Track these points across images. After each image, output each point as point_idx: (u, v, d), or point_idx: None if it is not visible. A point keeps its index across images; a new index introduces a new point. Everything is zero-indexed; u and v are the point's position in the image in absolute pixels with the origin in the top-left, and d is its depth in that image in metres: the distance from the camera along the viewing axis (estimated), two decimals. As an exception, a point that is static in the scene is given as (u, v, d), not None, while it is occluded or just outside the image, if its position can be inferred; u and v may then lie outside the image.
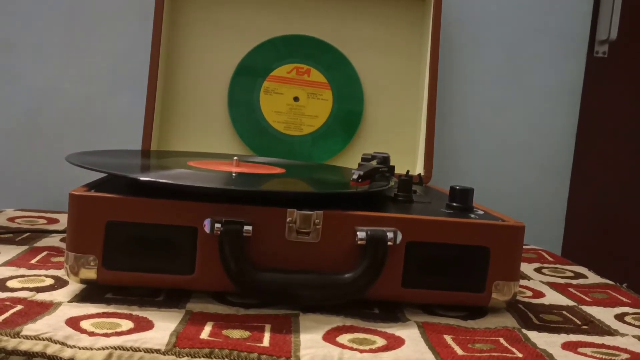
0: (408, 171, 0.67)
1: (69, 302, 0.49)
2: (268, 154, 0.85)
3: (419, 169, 0.85)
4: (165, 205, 0.50)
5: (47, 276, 0.56)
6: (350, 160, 0.87)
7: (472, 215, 0.56)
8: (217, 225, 0.49)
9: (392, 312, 0.53)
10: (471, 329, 0.51)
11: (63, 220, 0.80)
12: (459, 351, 0.45)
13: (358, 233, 0.50)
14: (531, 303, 0.60)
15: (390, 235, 0.50)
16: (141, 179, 0.50)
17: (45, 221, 0.79)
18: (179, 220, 0.50)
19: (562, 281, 0.71)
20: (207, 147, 0.85)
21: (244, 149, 0.86)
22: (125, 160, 0.60)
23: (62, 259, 0.61)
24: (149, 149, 0.79)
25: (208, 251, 0.50)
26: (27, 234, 0.71)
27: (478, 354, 0.45)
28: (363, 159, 0.74)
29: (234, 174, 0.58)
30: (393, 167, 0.72)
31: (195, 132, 0.85)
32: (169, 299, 0.52)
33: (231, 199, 0.50)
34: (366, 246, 0.50)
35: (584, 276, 0.74)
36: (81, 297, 0.51)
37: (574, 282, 0.71)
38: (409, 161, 0.87)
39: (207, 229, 0.49)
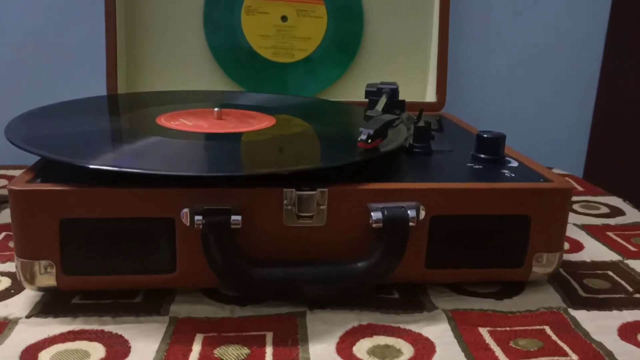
0: (422, 110, 0.56)
1: (27, 317, 0.41)
2: (256, 86, 0.73)
3: (429, 96, 0.74)
4: (131, 194, 0.40)
5: (2, 273, 0.47)
6: (350, 90, 0.75)
7: (506, 173, 0.46)
8: (198, 217, 0.39)
9: (415, 295, 0.45)
10: (509, 313, 0.43)
11: (28, 178, 0.70)
12: (501, 356, 0.38)
13: (372, 214, 0.41)
14: (571, 262, 0.52)
15: (412, 213, 0.41)
16: (91, 167, 0.39)
17: (5, 182, 0.69)
18: (150, 212, 0.40)
19: (599, 221, 0.62)
20: (185, 82, 0.73)
21: (228, 82, 0.74)
22: (78, 127, 0.49)
23: (23, 242, 0.52)
24: (116, 94, 0.68)
25: (190, 244, 0.41)
26: (-16, 204, 0.61)
27: None
28: (368, 92, 0.62)
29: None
30: (403, 101, 0.61)
31: (170, 65, 0.73)
32: (148, 300, 0.43)
33: (213, 181, 0.40)
34: (383, 229, 0.41)
35: (621, 211, 0.66)
36: (43, 307, 0.42)
37: (612, 222, 0.62)
38: (418, 87, 0.75)
39: (185, 221, 0.40)
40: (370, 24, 0.74)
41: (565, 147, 0.90)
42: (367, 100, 0.63)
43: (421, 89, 0.76)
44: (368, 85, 0.63)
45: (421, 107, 0.57)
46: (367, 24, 0.74)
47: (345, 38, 0.74)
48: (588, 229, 0.60)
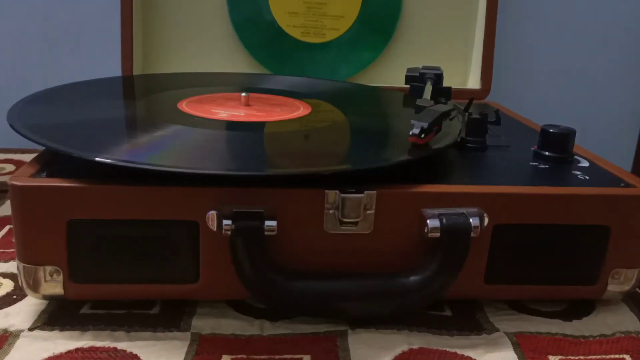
0: (472, 99, 0.50)
1: (30, 329, 0.36)
2: (282, 68, 0.67)
3: (472, 82, 0.68)
4: (148, 193, 0.34)
5: (4, 275, 0.42)
6: (385, 74, 0.69)
7: (578, 175, 0.40)
8: (226, 222, 0.34)
9: (470, 312, 0.40)
10: (581, 337, 0.37)
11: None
12: (581, 394, 0.32)
13: (429, 221, 0.35)
14: (640, 275, 0.46)
15: (474, 222, 0.35)
16: (100, 160, 0.34)
17: (12, 167, 0.64)
18: (171, 214, 0.35)
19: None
20: (206, 63, 0.67)
21: (252, 63, 0.68)
22: (88, 113, 0.43)
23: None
24: (131, 75, 0.62)
25: (216, 251, 0.36)
26: (-11, 193, 0.57)
27: (606, 396, 0.32)
28: (409, 77, 0.57)
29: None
30: (449, 89, 0.55)
31: (190, 45, 0.67)
32: (167, 311, 0.38)
33: (243, 179, 0.35)
34: (441, 239, 0.35)
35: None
36: (48, 317, 0.37)
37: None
38: (459, 72, 0.69)
39: (211, 226, 0.34)
40: (409, 1, 0.68)
41: (613, 139, 0.83)
42: (405, 86, 0.57)
43: (463, 74, 0.69)
44: (409, 70, 0.57)
45: (471, 96, 0.51)
46: (405, 1, 0.68)
47: (381, 17, 0.67)
48: (653, 235, 0.54)
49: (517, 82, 0.80)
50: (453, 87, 0.67)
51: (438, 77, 0.55)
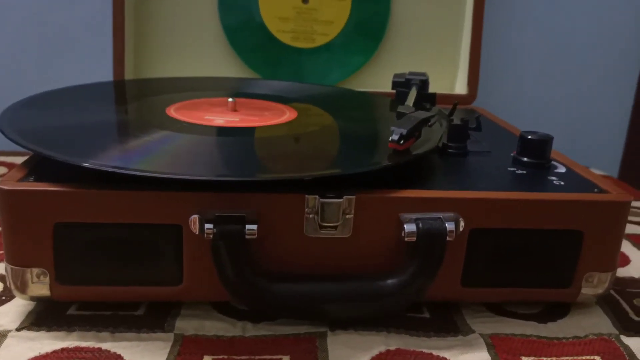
0: (456, 104, 0.51)
1: (17, 329, 0.37)
2: (272, 73, 0.68)
3: (459, 88, 0.69)
4: (133, 198, 0.35)
5: (-6, 277, 0.43)
6: (374, 79, 0.70)
7: (554, 180, 0.41)
8: (208, 226, 0.35)
9: (448, 314, 0.40)
10: (555, 339, 0.38)
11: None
12: (551, 394, 0.33)
13: (405, 226, 0.36)
14: (618, 278, 0.47)
15: (450, 226, 0.36)
16: (86, 165, 0.35)
17: (5, 170, 0.65)
18: (155, 217, 0.36)
19: (643, 230, 0.57)
20: (197, 68, 0.68)
21: (242, 68, 0.69)
22: (78, 117, 0.44)
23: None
24: (122, 79, 0.63)
25: (199, 254, 0.37)
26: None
27: (575, 396, 0.33)
28: (395, 83, 0.58)
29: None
30: (434, 95, 0.56)
31: (181, 49, 0.68)
32: (151, 313, 0.39)
33: (225, 184, 0.36)
34: (417, 243, 0.36)
35: (666, 219, 0.60)
36: (35, 317, 0.38)
37: (658, 231, 0.57)
38: (447, 77, 0.70)
39: (194, 229, 0.35)
40: (398, 7, 0.69)
41: (600, 145, 0.85)
42: (393, 91, 0.58)
43: (450, 79, 0.70)
44: (395, 76, 0.58)
45: (455, 102, 0.52)
46: (394, 7, 0.69)
47: (370, 22, 0.69)
48: (633, 239, 0.55)
49: (507, 87, 0.81)
50: (441, 92, 0.68)
51: (423, 83, 0.56)
